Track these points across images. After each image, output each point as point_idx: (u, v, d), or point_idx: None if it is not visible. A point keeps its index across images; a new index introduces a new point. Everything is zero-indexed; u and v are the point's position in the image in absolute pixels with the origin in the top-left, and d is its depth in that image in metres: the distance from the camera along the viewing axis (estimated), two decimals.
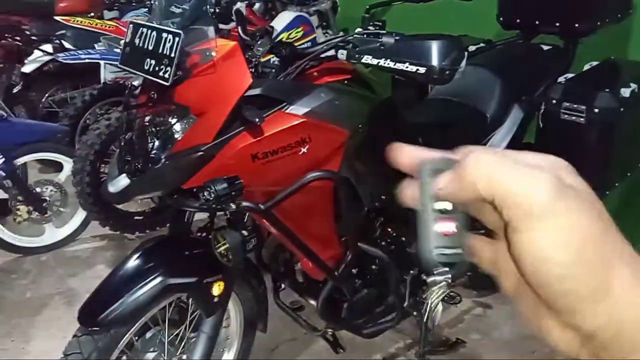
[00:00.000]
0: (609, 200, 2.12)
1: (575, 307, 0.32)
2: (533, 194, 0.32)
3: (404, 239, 1.77)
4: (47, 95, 3.61)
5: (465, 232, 0.36)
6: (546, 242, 0.31)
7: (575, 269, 0.31)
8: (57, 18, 3.34)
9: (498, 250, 0.37)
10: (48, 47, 3.46)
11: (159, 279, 1.35)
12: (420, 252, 0.36)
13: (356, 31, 1.38)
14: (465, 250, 0.36)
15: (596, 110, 1.81)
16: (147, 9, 3.56)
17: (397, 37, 1.29)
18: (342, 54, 1.33)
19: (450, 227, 0.36)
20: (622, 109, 1.81)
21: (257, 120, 1.24)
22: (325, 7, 3.20)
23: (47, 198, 2.76)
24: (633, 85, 1.86)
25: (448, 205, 0.36)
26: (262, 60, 1.42)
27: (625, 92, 1.83)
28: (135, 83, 1.44)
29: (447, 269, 0.36)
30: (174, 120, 1.27)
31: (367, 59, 1.29)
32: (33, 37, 3.66)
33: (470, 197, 0.34)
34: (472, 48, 2.19)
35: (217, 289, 1.43)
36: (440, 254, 0.36)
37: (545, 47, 2.14)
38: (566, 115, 1.86)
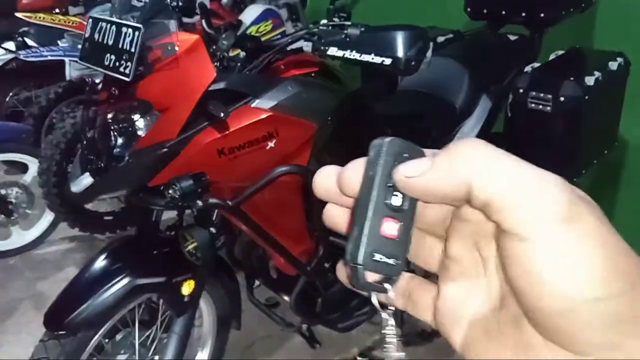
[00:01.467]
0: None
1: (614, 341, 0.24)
2: (546, 195, 0.25)
3: None
4: (11, 94, 3.52)
5: (409, 238, 0.29)
6: (565, 251, 0.24)
7: (604, 288, 0.24)
8: (19, 15, 3.25)
9: (440, 296, 0.30)
10: (10, 45, 3.36)
11: (126, 280, 1.32)
12: (351, 257, 0.28)
13: (321, 23, 1.37)
14: (403, 264, 0.29)
15: (562, 98, 1.83)
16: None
17: (362, 29, 1.28)
18: (307, 46, 1.32)
19: (394, 229, 0.28)
20: (586, 97, 1.83)
21: (222, 114, 1.22)
22: (294, 0, 3.18)
23: (13, 200, 2.69)
24: (597, 74, 1.89)
25: (399, 201, 0.28)
26: (231, 54, 1.39)
27: (590, 80, 1.86)
28: (98, 80, 1.40)
29: (385, 284, 0.29)
30: (136, 117, 1.24)
31: (333, 51, 1.28)
32: None
33: (451, 195, 0.26)
34: (440, 39, 2.19)
35: (187, 288, 1.41)
36: (377, 261, 0.28)
37: (512, 37, 2.16)
38: (533, 105, 1.88)
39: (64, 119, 2.70)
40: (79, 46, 3.17)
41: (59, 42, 3.24)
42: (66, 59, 3.17)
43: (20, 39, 3.31)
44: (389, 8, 2.15)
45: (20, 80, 3.52)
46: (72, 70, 3.24)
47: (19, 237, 2.75)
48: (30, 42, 3.33)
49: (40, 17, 3.17)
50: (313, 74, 1.42)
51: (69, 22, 3.17)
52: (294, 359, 2.03)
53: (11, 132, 2.73)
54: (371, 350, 2.04)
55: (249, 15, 2.97)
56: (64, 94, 3.07)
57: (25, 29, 3.48)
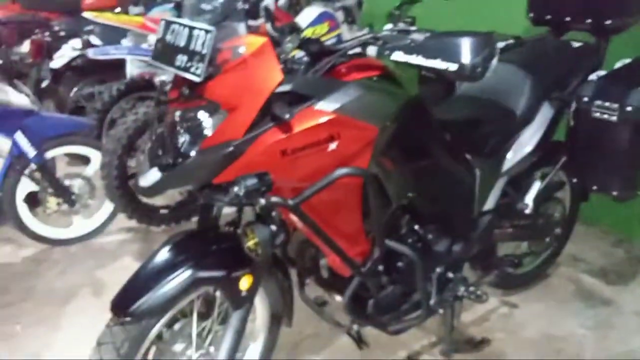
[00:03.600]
0: (637, 202, 2.09)
1: None
2: None
3: (430, 236, 1.77)
4: (75, 89, 3.68)
5: None
6: None
7: None
8: (85, 14, 3.40)
9: None
10: (76, 43, 3.52)
11: (188, 272, 1.37)
12: None
13: (385, 28, 1.38)
14: None
15: (629, 108, 1.78)
16: (172, 5, 3.59)
17: (427, 34, 1.28)
18: (372, 50, 1.33)
19: None
20: None
21: (287, 116, 1.24)
22: (350, 3, 3.20)
23: (76, 191, 2.81)
24: None
25: None
26: (290, 56, 1.42)
27: None
28: (162, 78, 1.46)
29: None
30: (204, 116, 1.28)
31: (398, 56, 1.29)
32: (61, 33, 3.74)
33: None
34: (501, 44, 2.16)
35: (245, 282, 1.44)
36: None
37: (576, 44, 2.11)
38: (598, 114, 1.84)
39: (125, 115, 2.81)
40: (142, 45, 3.30)
41: (122, 40, 3.36)
42: (128, 57, 3.29)
43: (86, 37, 3.46)
44: (449, 12, 2.14)
45: (84, 76, 3.68)
46: (133, 68, 3.36)
47: (80, 226, 2.88)
48: (95, 40, 3.48)
49: (105, 17, 3.30)
50: (375, 78, 1.43)
51: (132, 22, 3.29)
52: (341, 359, 2.05)
53: (75, 125, 2.86)
54: (419, 355, 2.03)
55: (305, 17, 3.00)
56: (125, 90, 3.19)
57: (90, 27, 3.64)
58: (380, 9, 1.50)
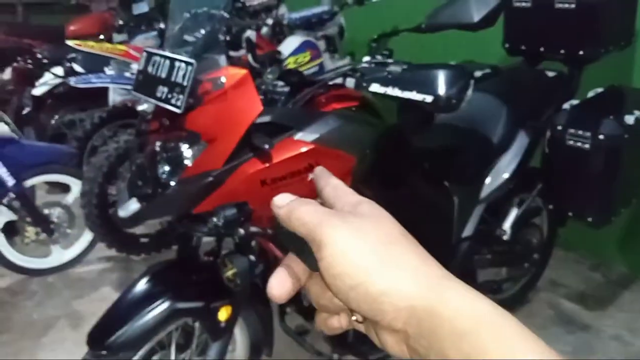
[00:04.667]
0: (614, 226, 2.13)
1: (375, 307, 0.35)
2: (319, 229, 0.37)
3: None
4: (56, 117, 3.66)
5: None
6: (335, 260, 0.36)
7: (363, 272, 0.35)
8: (68, 42, 3.40)
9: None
10: (59, 70, 3.52)
11: (166, 304, 1.36)
12: None
13: (364, 60, 1.41)
14: None
15: (601, 136, 1.82)
16: (156, 33, 3.62)
17: (404, 66, 1.32)
18: (350, 82, 1.36)
19: None
20: (626, 136, 1.83)
21: (266, 146, 1.26)
22: (332, 32, 3.25)
23: (55, 219, 2.78)
24: (637, 112, 1.88)
25: None
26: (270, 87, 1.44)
27: (630, 119, 1.85)
28: (144, 107, 1.46)
29: None
30: (185, 146, 1.29)
31: (375, 87, 1.32)
32: (44, 61, 3.74)
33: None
34: (478, 74, 2.21)
35: (224, 313, 1.44)
36: None
37: (550, 74, 2.16)
38: (571, 141, 1.88)
39: (106, 143, 2.80)
40: (125, 73, 3.31)
41: (105, 68, 3.37)
42: (110, 86, 3.30)
43: (68, 65, 3.46)
44: (428, 42, 2.19)
45: (66, 104, 3.66)
46: (115, 96, 3.36)
47: (59, 255, 2.83)
48: (77, 68, 3.48)
49: (88, 45, 3.31)
50: (354, 108, 1.45)
51: (115, 50, 3.30)
52: None
53: (55, 153, 2.84)
54: None
55: (287, 46, 3.05)
56: (106, 118, 3.18)
57: (73, 55, 3.64)
58: (362, 37, 1.54)
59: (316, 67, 2.99)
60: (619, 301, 2.46)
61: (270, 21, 3.04)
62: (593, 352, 2.17)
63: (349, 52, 3.26)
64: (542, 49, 2.15)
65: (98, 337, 1.34)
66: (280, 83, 1.46)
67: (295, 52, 2.98)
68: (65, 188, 2.86)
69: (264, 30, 3.42)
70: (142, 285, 1.42)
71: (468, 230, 1.90)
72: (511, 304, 2.39)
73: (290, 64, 2.90)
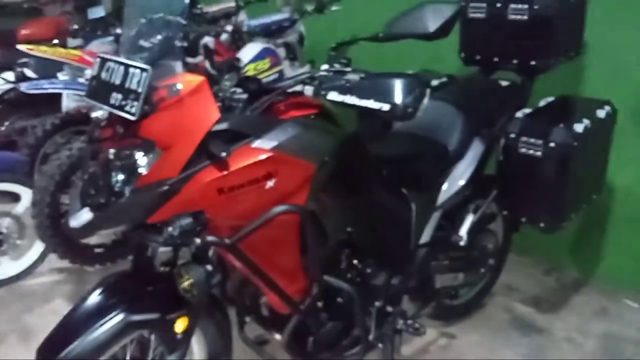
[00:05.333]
0: (566, 232, 2.20)
1: None
2: None
3: (369, 270, 1.79)
4: (6, 123, 3.53)
5: None
6: None
7: None
8: (21, 47, 3.29)
9: None
10: (9, 76, 3.40)
11: (120, 316, 1.32)
12: None
13: (322, 68, 1.42)
14: None
15: (552, 144, 1.88)
16: (112, 38, 3.54)
17: (362, 75, 1.33)
18: (308, 90, 1.36)
19: None
20: (575, 144, 1.89)
21: (223, 154, 1.25)
22: (292, 39, 3.26)
23: (4, 230, 2.68)
24: (586, 121, 1.95)
25: None
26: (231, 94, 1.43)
27: (579, 127, 1.92)
28: (99, 114, 1.43)
29: None
30: (139, 154, 1.26)
31: (333, 96, 1.32)
32: None
33: None
34: (434, 82, 2.25)
35: (180, 325, 1.41)
36: None
37: (504, 83, 2.23)
38: (524, 149, 1.94)
39: (59, 150, 2.71)
40: (79, 79, 3.22)
41: (58, 74, 3.28)
42: (63, 92, 3.20)
43: (19, 69, 3.35)
44: (384, 51, 2.22)
45: (16, 110, 3.53)
46: (69, 102, 3.27)
47: (8, 267, 2.72)
48: (29, 73, 3.37)
49: (41, 50, 3.21)
50: (312, 116, 1.46)
51: (69, 55, 3.21)
52: None
53: (5, 161, 2.74)
54: None
55: (247, 53, 3.03)
56: (59, 125, 3.08)
57: (24, 60, 3.53)
58: (322, 45, 1.55)
59: (276, 75, 2.99)
60: (570, 304, 2.54)
61: (229, 28, 3.01)
62: (546, 354, 2.23)
63: (309, 60, 3.28)
64: (496, 59, 2.21)
65: (48, 352, 1.29)
66: (239, 90, 1.45)
67: (255, 59, 2.97)
68: (15, 197, 2.75)
69: (223, 37, 3.39)
70: (94, 297, 1.38)
71: (425, 237, 1.92)
72: (467, 309, 2.43)
73: (249, 71, 2.88)
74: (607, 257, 2.62)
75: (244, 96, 1.42)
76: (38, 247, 2.75)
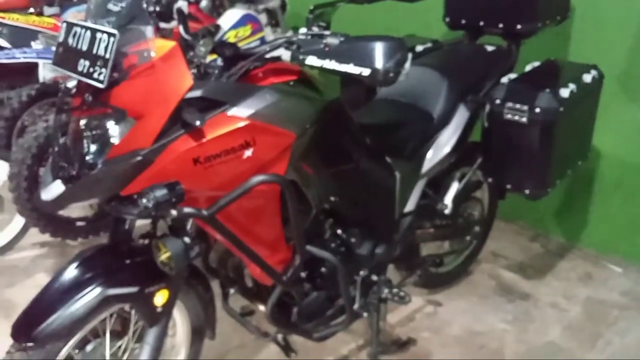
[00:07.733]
0: (551, 198, 2.19)
1: None
2: None
3: (353, 240, 1.77)
4: None
5: None
6: None
7: None
8: None
9: None
10: None
11: (98, 290, 1.29)
12: None
13: (300, 32, 1.36)
14: None
15: (537, 110, 1.85)
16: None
17: (341, 38, 1.27)
18: (286, 55, 1.31)
19: None
20: (561, 109, 1.86)
21: (198, 122, 1.20)
22: (273, 5, 3.16)
23: None
24: (572, 86, 1.92)
25: None
26: (207, 61, 1.37)
27: (565, 92, 1.89)
28: (70, 84, 1.37)
29: None
30: (110, 124, 1.21)
31: (311, 60, 1.27)
32: None
33: None
34: (419, 48, 2.21)
35: (160, 298, 1.38)
36: None
37: (490, 48, 2.18)
38: (509, 115, 1.91)
39: (36, 122, 2.64)
40: (53, 48, 3.11)
41: (32, 43, 3.17)
42: (40, 61, 3.10)
43: None
44: (368, 16, 2.16)
45: None
46: (46, 73, 3.17)
47: None
48: (2, 42, 3.25)
49: (14, 18, 3.09)
50: (292, 83, 1.41)
51: (43, 24, 3.10)
52: None
53: None
54: (347, 359, 2.03)
55: (227, 19, 2.93)
56: (36, 96, 2.98)
57: None
58: (305, 11, 1.50)
59: (257, 42, 2.90)
60: (556, 270, 2.56)
61: None
62: (532, 319, 2.25)
63: (292, 26, 3.19)
64: (481, 24, 2.16)
65: (23, 328, 1.26)
66: (214, 56, 1.39)
67: (236, 25, 2.87)
68: None
69: (203, 3, 3.29)
70: (71, 271, 1.34)
71: (410, 205, 1.90)
72: (453, 277, 2.44)
73: (230, 37, 2.80)
74: (592, 222, 2.63)
75: (220, 62, 1.36)
76: (18, 221, 2.70)
